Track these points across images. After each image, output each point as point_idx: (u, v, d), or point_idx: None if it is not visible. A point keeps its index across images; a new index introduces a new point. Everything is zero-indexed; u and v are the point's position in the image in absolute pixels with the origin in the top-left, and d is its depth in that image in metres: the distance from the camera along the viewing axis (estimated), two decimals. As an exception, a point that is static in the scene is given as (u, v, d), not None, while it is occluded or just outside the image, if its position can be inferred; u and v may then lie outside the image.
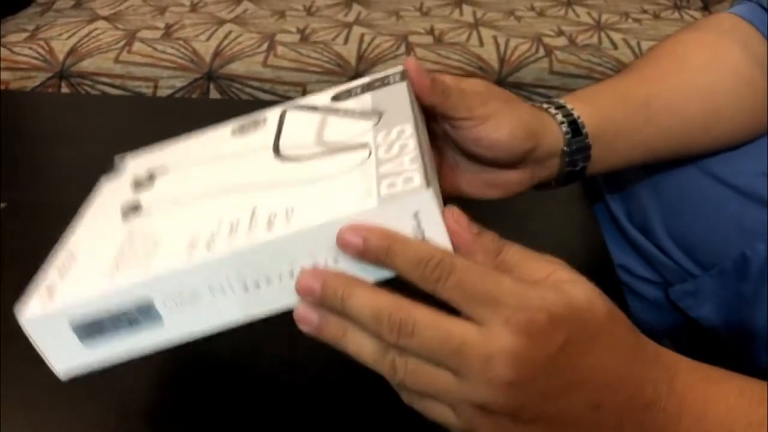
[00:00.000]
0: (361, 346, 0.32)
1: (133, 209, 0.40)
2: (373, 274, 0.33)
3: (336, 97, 0.43)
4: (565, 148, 0.46)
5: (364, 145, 0.36)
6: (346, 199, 0.33)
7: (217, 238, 0.33)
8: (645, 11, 1.57)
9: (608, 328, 0.31)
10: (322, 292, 0.32)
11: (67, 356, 0.35)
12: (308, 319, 0.33)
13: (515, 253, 0.33)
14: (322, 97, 0.44)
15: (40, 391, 0.44)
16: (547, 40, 1.35)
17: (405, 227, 0.32)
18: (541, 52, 1.30)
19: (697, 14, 1.57)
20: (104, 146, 0.73)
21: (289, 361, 0.46)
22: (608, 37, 1.38)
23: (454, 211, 0.32)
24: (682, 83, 0.51)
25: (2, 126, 0.75)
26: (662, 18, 1.53)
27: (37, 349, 0.35)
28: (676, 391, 0.33)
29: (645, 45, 1.34)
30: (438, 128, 0.44)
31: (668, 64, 0.52)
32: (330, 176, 0.35)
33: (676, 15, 1.56)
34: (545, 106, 0.47)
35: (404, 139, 0.35)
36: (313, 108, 0.43)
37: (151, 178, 0.43)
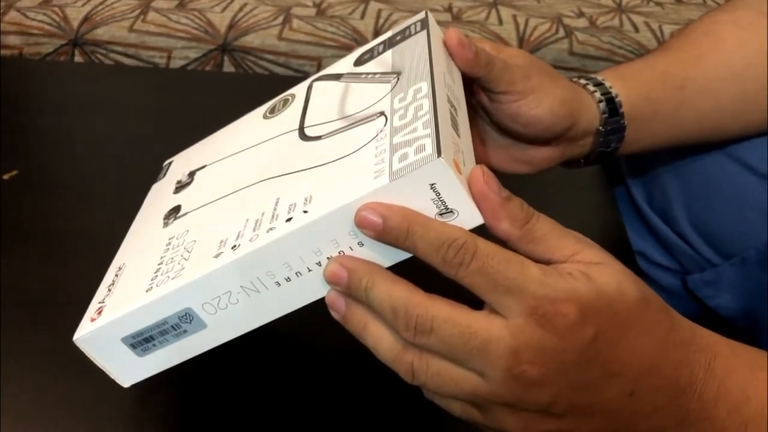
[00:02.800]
0: (379, 340, 0.31)
1: (173, 211, 0.41)
2: (398, 255, 0.32)
3: (359, 60, 0.42)
4: (601, 128, 0.45)
5: (380, 113, 0.35)
6: (360, 179, 0.31)
7: (242, 239, 0.33)
8: (667, -5, 1.54)
9: (640, 314, 0.30)
10: (348, 280, 0.31)
11: (125, 367, 0.36)
12: (337, 306, 0.32)
13: (543, 225, 0.31)
14: (346, 62, 0.43)
15: (43, 363, 0.43)
16: (567, 20, 1.33)
17: (424, 199, 0.30)
18: (561, 32, 1.28)
19: (720, -1, 1.55)
20: (116, 117, 0.72)
21: (294, 354, 0.46)
22: (630, 19, 1.36)
23: (485, 171, 0.30)
24: (718, 66, 0.50)
25: (12, 94, 0.74)
26: (684, 2, 1.50)
27: (99, 365, 0.36)
28: (715, 375, 0.32)
29: (667, 29, 1.31)
30: (472, 99, 0.42)
31: (705, 45, 0.51)
32: (347, 154, 0.34)
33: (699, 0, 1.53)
34: (583, 82, 0.46)
35: (419, 99, 0.34)
36: (337, 76, 0.42)
37: (191, 175, 0.44)
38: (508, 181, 0.47)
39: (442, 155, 0.29)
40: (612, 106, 0.45)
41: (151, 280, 0.36)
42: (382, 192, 0.30)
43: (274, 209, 0.34)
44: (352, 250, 0.32)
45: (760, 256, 0.52)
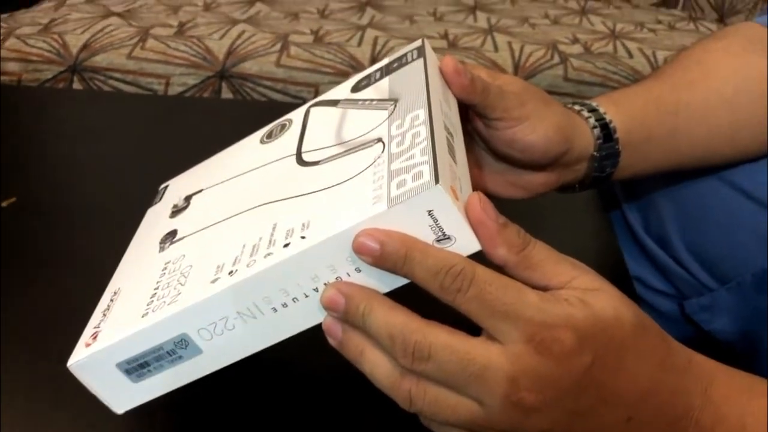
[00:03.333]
0: (376, 367, 0.31)
1: (169, 236, 0.41)
2: (396, 282, 0.32)
3: (356, 87, 0.42)
4: (596, 153, 0.45)
5: (378, 140, 0.35)
6: (357, 205, 0.31)
7: (238, 264, 0.33)
8: (660, 22, 1.56)
9: (636, 340, 0.30)
10: (345, 308, 0.31)
11: (119, 393, 0.36)
12: (333, 332, 0.32)
13: (540, 251, 0.31)
14: (343, 89, 0.43)
15: (40, 389, 0.43)
16: (562, 47, 1.34)
17: (422, 226, 0.30)
18: (556, 58, 1.30)
19: (712, 26, 1.56)
20: (115, 144, 0.73)
21: (289, 377, 0.46)
22: (624, 45, 1.37)
23: (482, 198, 0.30)
24: (710, 92, 0.50)
25: (11, 121, 0.75)
26: (677, 29, 1.52)
27: (92, 392, 0.36)
28: (712, 401, 0.32)
29: (660, 54, 1.33)
30: (468, 125, 0.43)
31: (697, 73, 0.52)
32: (344, 180, 0.34)
33: (691, 26, 1.55)
34: (577, 108, 0.46)
35: (416, 126, 0.34)
36: (334, 102, 0.42)
37: (187, 200, 0.44)
38: (504, 206, 0.47)
39: (440, 182, 0.29)
40: (606, 131, 0.45)
41: (147, 305, 0.35)
42: (380, 218, 0.30)
43: (272, 234, 0.33)
44: (349, 276, 0.31)
45: (755, 280, 0.52)
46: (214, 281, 0.33)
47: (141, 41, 1.27)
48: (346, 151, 0.36)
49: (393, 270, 0.30)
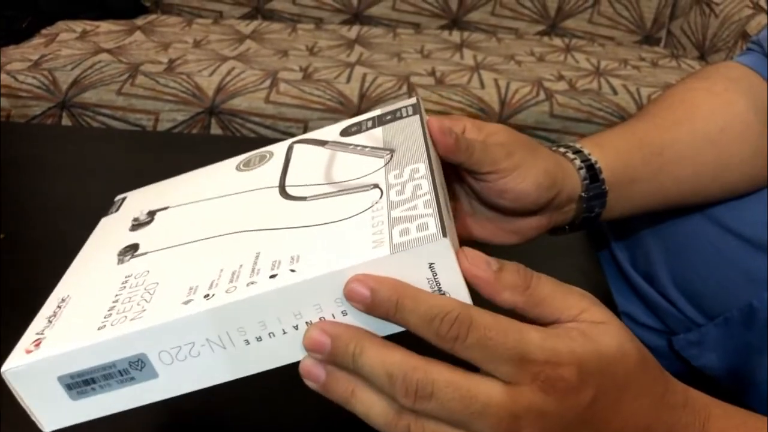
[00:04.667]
0: (371, 407, 0.30)
1: (129, 249, 0.38)
2: (386, 328, 0.30)
3: (345, 131, 0.42)
4: (584, 194, 0.45)
5: (374, 186, 0.34)
6: (356, 246, 0.30)
7: (215, 288, 0.31)
8: (643, 59, 1.59)
9: (638, 376, 0.30)
10: (332, 349, 0.29)
11: (53, 410, 0.32)
12: (315, 375, 0.30)
13: (545, 286, 0.30)
14: (331, 131, 0.42)
15: None
16: (547, 84, 1.36)
17: (419, 278, 0.29)
18: (542, 95, 1.32)
19: (694, 63, 1.60)
20: (103, 180, 0.73)
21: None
22: (608, 82, 1.40)
23: (468, 253, 0.30)
24: (694, 132, 0.51)
25: (2, 157, 0.75)
26: (660, 66, 1.55)
27: (22, 404, 0.32)
28: None
29: (644, 91, 1.35)
30: (455, 176, 0.43)
31: (680, 112, 0.53)
32: (338, 220, 0.33)
33: (674, 63, 1.58)
34: (562, 150, 0.47)
35: (418, 179, 0.33)
36: (322, 142, 0.42)
37: (150, 215, 0.41)
38: (494, 249, 0.48)
39: (448, 236, 0.29)
40: (592, 172, 0.46)
41: (104, 317, 0.32)
42: (380, 263, 0.29)
43: (254, 263, 0.32)
44: (334, 317, 0.30)
45: (742, 315, 0.52)
46: (186, 302, 0.31)
47: (131, 77, 1.28)
48: (338, 192, 0.35)
49: (385, 318, 0.29)
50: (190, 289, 0.32)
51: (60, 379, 0.32)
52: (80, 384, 0.32)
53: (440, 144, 0.38)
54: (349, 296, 0.29)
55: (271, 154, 0.43)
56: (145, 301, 0.32)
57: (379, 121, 0.41)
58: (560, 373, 0.28)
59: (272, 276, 0.30)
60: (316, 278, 0.29)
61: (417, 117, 0.39)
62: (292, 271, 0.30)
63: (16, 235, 0.61)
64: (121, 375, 0.32)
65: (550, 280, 0.31)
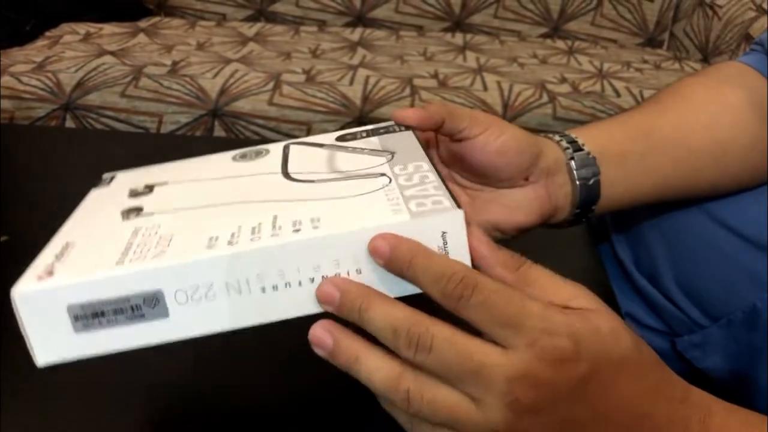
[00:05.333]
0: (373, 371, 0.31)
1: (134, 211, 0.38)
2: (396, 289, 0.32)
3: (341, 138, 0.43)
4: (570, 161, 0.46)
5: (381, 174, 0.36)
6: (376, 212, 0.33)
7: (238, 238, 0.32)
8: (646, 61, 1.59)
9: (633, 360, 0.31)
10: (341, 301, 0.31)
11: (53, 341, 0.32)
12: (323, 343, 0.32)
13: (537, 270, 0.32)
14: (326, 138, 0.44)
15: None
16: (550, 86, 1.36)
17: (432, 245, 0.32)
18: (545, 98, 1.32)
19: (696, 65, 1.60)
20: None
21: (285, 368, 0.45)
22: (611, 84, 1.40)
23: (473, 227, 0.32)
24: (684, 118, 0.52)
25: (4, 159, 0.75)
26: (663, 68, 1.55)
27: (22, 331, 0.32)
28: (710, 431, 0.32)
29: (647, 93, 1.35)
30: (452, 171, 0.45)
31: (670, 102, 0.53)
32: (352, 195, 0.35)
33: (677, 66, 1.58)
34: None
35: (423, 172, 0.36)
36: (318, 145, 0.43)
37: (149, 188, 0.41)
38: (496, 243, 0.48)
39: (462, 209, 0.31)
40: (572, 141, 0.47)
41: (122, 254, 0.32)
42: (400, 227, 0.31)
43: (274, 222, 0.33)
44: (348, 274, 0.32)
45: (746, 317, 0.52)
46: (210, 246, 0.32)
47: (134, 80, 1.28)
48: (345, 177, 0.37)
49: (400, 274, 0.31)
50: (211, 238, 0.33)
51: (69, 308, 0.31)
52: (88, 316, 0.32)
53: (416, 120, 0.41)
54: (373, 251, 0.31)
55: (267, 151, 0.44)
56: (164, 245, 0.33)
57: (373, 132, 0.43)
58: (556, 342, 0.29)
59: (296, 230, 0.32)
60: (341, 234, 0.31)
61: (410, 132, 0.42)
62: (316, 227, 0.32)
63: (18, 237, 0.61)
64: (132, 311, 0.32)
65: (542, 268, 0.32)
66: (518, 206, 0.46)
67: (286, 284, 0.32)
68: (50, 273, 0.32)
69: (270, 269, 0.32)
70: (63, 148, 0.81)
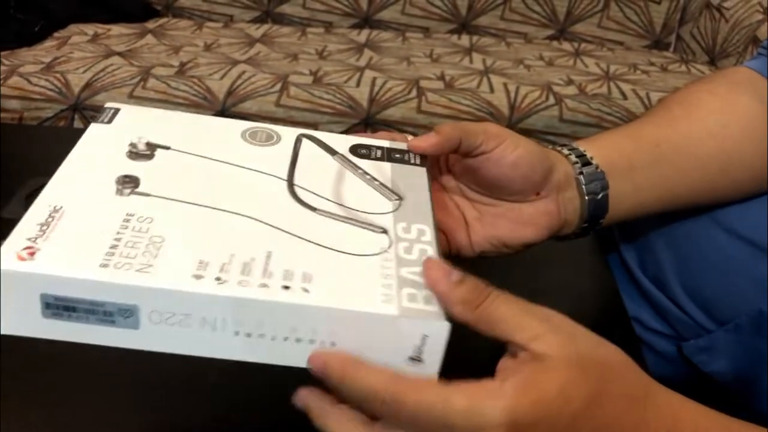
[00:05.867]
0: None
1: (129, 181, 0.37)
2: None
3: (355, 150, 0.43)
4: (579, 176, 0.47)
5: (383, 230, 0.36)
6: (366, 291, 0.32)
7: (227, 274, 0.32)
8: (652, 63, 1.59)
9: (590, 415, 0.31)
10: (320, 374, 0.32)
11: (17, 318, 0.31)
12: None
13: (500, 306, 0.32)
14: (340, 142, 0.43)
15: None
16: (557, 88, 1.36)
17: (409, 342, 0.32)
18: (552, 100, 1.32)
19: (703, 68, 1.59)
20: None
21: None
22: (617, 87, 1.40)
23: (432, 264, 0.32)
24: (693, 127, 0.51)
25: (13, 159, 0.75)
26: (670, 71, 1.55)
27: None
28: None
29: (654, 96, 1.35)
30: (458, 192, 0.46)
31: (678, 111, 0.53)
32: (349, 252, 0.35)
33: (683, 68, 1.58)
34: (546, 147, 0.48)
35: (424, 243, 0.36)
36: (331, 150, 0.42)
37: (149, 148, 0.40)
38: (505, 259, 0.48)
39: (450, 322, 0.31)
40: (580, 155, 0.47)
41: (107, 255, 0.32)
42: (385, 319, 0.31)
43: (266, 263, 0.33)
44: (323, 345, 0.32)
45: (752, 322, 0.52)
46: (197, 277, 0.32)
47: (142, 81, 1.28)
48: (346, 219, 0.37)
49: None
50: (200, 263, 0.32)
51: (43, 296, 0.31)
52: (60, 308, 0.31)
53: (430, 147, 0.42)
54: (310, 362, 0.32)
55: (279, 137, 0.43)
56: (151, 255, 0.32)
57: (388, 155, 0.43)
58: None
59: (285, 287, 0.32)
60: (324, 308, 0.31)
61: (424, 170, 0.42)
62: (306, 291, 0.32)
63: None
64: (105, 315, 0.31)
65: (506, 301, 0.32)
66: (527, 221, 0.46)
67: (260, 335, 0.32)
68: (32, 253, 0.31)
69: (249, 318, 0.32)
70: (72, 149, 0.82)
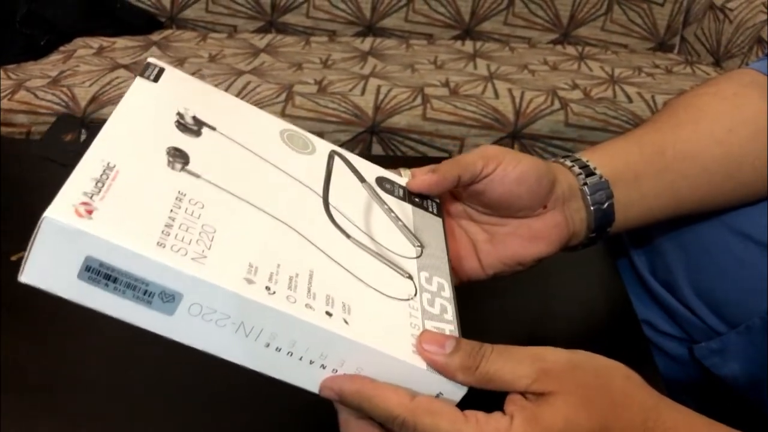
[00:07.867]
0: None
1: (179, 156, 0.36)
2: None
3: (380, 182, 0.44)
4: (583, 187, 0.47)
5: (409, 276, 0.38)
6: (398, 338, 0.34)
7: (276, 285, 0.32)
8: (657, 66, 1.59)
9: None
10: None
11: (48, 271, 0.29)
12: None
13: (494, 363, 0.33)
14: (368, 170, 0.44)
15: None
16: (562, 93, 1.36)
17: (426, 390, 0.34)
18: (557, 104, 1.31)
19: (708, 69, 1.59)
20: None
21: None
22: (623, 90, 1.39)
23: (427, 338, 0.34)
24: (698, 132, 0.51)
25: (21, 174, 0.76)
26: (674, 72, 1.55)
27: (28, 247, 0.29)
28: None
29: (659, 99, 1.35)
30: (464, 216, 0.47)
31: (684, 115, 0.53)
32: (380, 289, 0.36)
33: (688, 70, 1.57)
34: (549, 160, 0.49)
35: (443, 299, 0.38)
36: (360, 177, 0.42)
37: (197, 124, 0.38)
38: (513, 277, 0.48)
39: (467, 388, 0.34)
40: (583, 165, 0.47)
41: (164, 234, 0.31)
42: (411, 369, 0.33)
43: (309, 282, 0.34)
44: (346, 372, 0.34)
45: (764, 323, 0.52)
46: (249, 282, 0.31)
47: (148, 93, 1.29)
48: (377, 255, 0.38)
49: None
50: (251, 266, 0.32)
51: (88, 258, 0.29)
52: (102, 275, 0.30)
53: (433, 183, 0.43)
54: (322, 391, 0.34)
55: (314, 148, 0.43)
56: (205, 245, 0.32)
57: (408, 197, 0.44)
58: None
59: (328, 313, 0.33)
60: (358, 344, 0.33)
61: (440, 221, 0.43)
62: (346, 322, 0.33)
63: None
64: (144, 294, 0.30)
65: (500, 355, 0.34)
66: (538, 236, 0.46)
67: (288, 353, 0.33)
68: (89, 211, 0.30)
69: (286, 335, 0.32)
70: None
